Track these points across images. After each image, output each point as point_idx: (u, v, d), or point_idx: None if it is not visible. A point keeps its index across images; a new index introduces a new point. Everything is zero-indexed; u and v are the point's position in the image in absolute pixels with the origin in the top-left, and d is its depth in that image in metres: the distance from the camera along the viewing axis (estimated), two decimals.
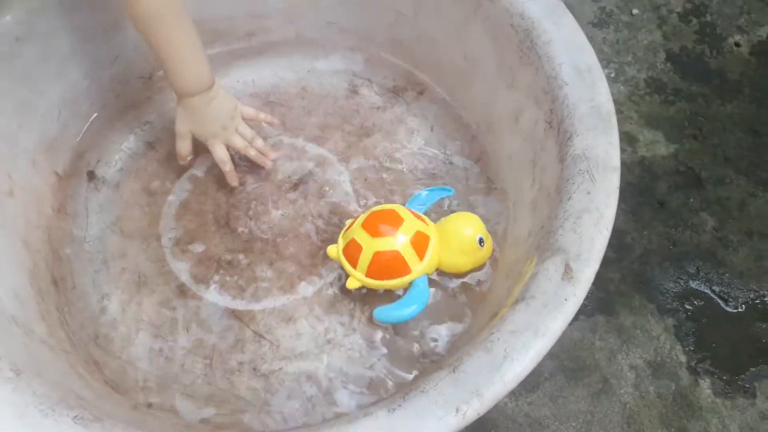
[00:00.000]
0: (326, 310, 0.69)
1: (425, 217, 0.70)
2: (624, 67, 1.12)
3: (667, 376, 0.83)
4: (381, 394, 0.64)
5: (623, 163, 1.00)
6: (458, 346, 0.65)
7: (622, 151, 1.01)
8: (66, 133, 0.79)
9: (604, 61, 1.12)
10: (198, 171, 0.79)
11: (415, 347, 0.67)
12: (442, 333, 0.68)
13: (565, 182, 0.60)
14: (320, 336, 0.68)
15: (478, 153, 0.81)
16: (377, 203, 0.76)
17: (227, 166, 0.75)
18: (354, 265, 0.67)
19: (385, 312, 0.66)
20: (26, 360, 0.54)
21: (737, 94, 1.09)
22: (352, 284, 0.67)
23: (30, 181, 0.73)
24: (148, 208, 0.77)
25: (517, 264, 0.63)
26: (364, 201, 0.77)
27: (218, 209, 0.76)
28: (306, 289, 0.71)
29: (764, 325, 0.87)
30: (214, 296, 0.70)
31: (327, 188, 0.78)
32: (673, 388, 0.82)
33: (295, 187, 0.78)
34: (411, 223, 0.66)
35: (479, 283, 0.70)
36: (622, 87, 1.10)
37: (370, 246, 0.65)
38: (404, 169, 0.80)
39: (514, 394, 0.81)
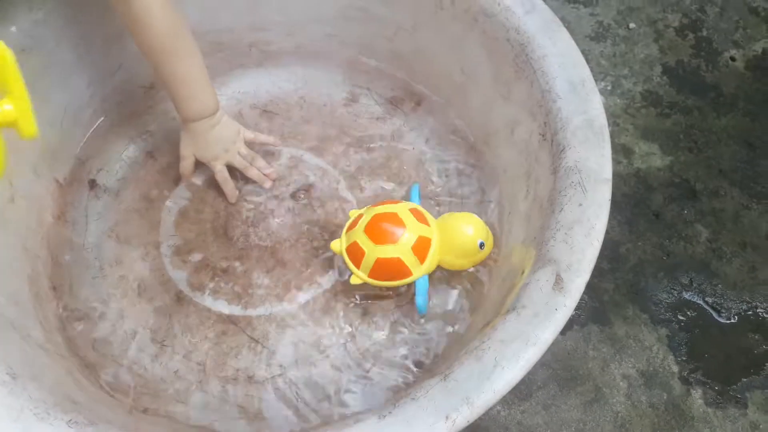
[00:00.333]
0: (322, 317, 0.70)
1: (427, 215, 0.70)
2: (620, 80, 1.13)
3: (660, 386, 0.84)
4: (374, 401, 0.65)
5: (619, 175, 1.02)
6: (451, 354, 0.66)
7: (618, 162, 1.02)
8: (68, 141, 0.80)
9: (601, 74, 1.14)
10: (197, 180, 0.80)
11: (410, 354, 0.68)
12: (436, 341, 0.69)
13: (558, 194, 0.60)
14: (315, 343, 0.69)
15: (474, 164, 0.81)
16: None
17: (228, 185, 0.77)
18: (357, 265, 0.68)
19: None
20: (23, 364, 0.54)
21: (732, 107, 1.10)
22: (355, 281, 0.69)
23: (31, 188, 0.73)
24: (147, 216, 0.77)
25: (510, 274, 0.64)
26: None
27: (216, 217, 0.77)
28: (302, 296, 0.72)
29: (756, 336, 0.88)
30: (209, 302, 0.71)
31: (324, 198, 0.79)
32: (666, 397, 0.83)
33: (293, 196, 0.79)
34: (413, 228, 0.67)
35: (475, 291, 0.71)
36: (618, 100, 1.11)
37: (372, 252, 0.66)
38: (401, 180, 0.80)
39: (506, 402, 0.81)
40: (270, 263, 0.74)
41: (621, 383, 0.84)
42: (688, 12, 1.23)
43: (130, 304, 0.71)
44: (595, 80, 0.67)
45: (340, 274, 0.73)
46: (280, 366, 0.67)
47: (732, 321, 0.89)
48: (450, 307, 0.71)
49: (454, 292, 0.71)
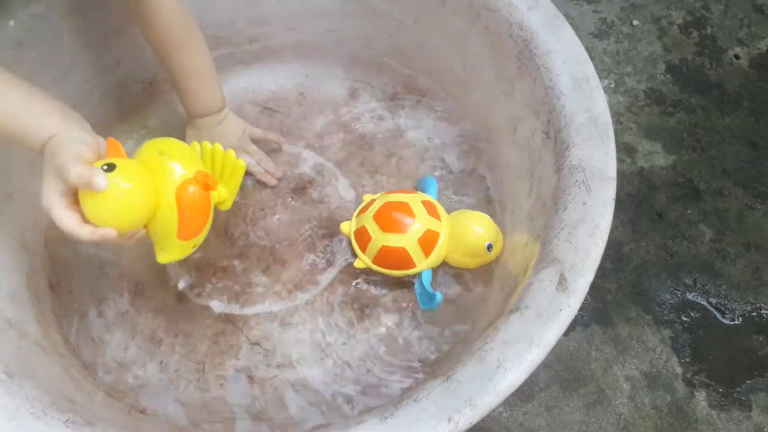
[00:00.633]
0: (322, 316, 0.69)
1: (440, 210, 0.70)
2: (624, 78, 1.12)
3: (663, 387, 0.83)
4: (376, 402, 0.64)
5: (622, 174, 1.01)
6: (454, 354, 0.65)
7: (621, 161, 1.01)
8: None
9: (604, 72, 1.13)
10: None
11: (412, 354, 0.67)
12: (439, 341, 0.68)
13: (562, 192, 0.60)
14: (316, 343, 0.68)
15: (476, 162, 0.81)
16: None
17: None
18: (363, 250, 0.68)
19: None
20: (19, 362, 0.54)
21: (736, 106, 1.09)
22: (359, 264, 0.69)
23: (29, 184, 0.73)
24: None
25: (513, 273, 0.63)
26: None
27: (217, 216, 0.76)
28: (302, 295, 0.71)
29: (761, 338, 0.87)
30: (208, 301, 0.70)
31: (325, 195, 0.78)
32: (669, 399, 0.82)
33: (294, 193, 0.78)
34: (422, 221, 0.67)
35: (479, 292, 0.70)
36: (621, 98, 1.10)
37: (379, 238, 0.67)
38: (402, 177, 0.80)
39: (509, 403, 0.81)
40: (269, 262, 0.73)
41: (624, 385, 0.83)
42: (692, 9, 1.22)
43: (129, 303, 0.70)
44: (598, 78, 0.66)
45: (340, 271, 0.72)
46: (280, 366, 0.66)
47: (736, 322, 0.88)
48: (453, 305, 0.70)
49: (458, 290, 0.71)
